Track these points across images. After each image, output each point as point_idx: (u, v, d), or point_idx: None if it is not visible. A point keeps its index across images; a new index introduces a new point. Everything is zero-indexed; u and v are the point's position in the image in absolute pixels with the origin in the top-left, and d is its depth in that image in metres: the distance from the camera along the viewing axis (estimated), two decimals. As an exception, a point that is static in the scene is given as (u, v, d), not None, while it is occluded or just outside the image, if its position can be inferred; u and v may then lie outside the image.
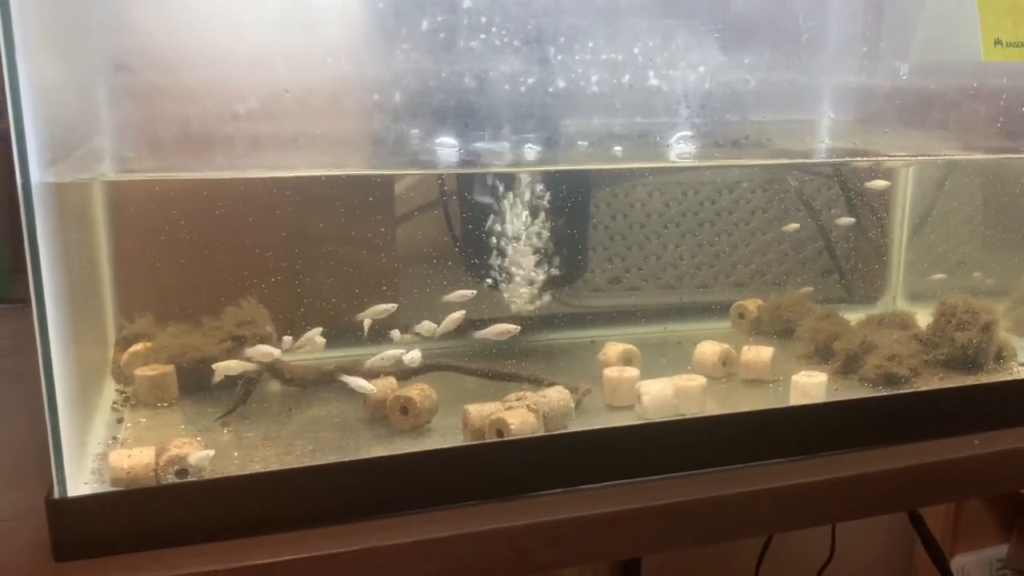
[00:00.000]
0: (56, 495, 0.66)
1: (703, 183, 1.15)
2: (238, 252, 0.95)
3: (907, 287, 1.21)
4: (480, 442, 0.79)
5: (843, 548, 1.58)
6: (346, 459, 0.75)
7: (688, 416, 0.86)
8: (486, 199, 0.98)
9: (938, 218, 1.15)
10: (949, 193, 1.14)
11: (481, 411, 0.81)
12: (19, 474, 0.81)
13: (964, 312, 0.97)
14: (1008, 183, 1.13)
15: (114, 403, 0.89)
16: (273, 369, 0.91)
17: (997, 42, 0.83)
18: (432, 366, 0.92)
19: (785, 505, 0.80)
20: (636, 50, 0.81)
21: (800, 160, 1.12)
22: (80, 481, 0.70)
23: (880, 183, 1.13)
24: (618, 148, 0.90)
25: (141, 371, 0.89)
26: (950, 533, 1.96)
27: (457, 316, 0.90)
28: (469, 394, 0.87)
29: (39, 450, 0.83)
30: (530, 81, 0.80)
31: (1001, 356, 1.00)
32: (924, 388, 0.93)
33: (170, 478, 0.71)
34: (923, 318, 1.04)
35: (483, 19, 0.77)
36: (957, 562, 1.94)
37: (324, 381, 0.93)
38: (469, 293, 0.91)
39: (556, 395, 0.84)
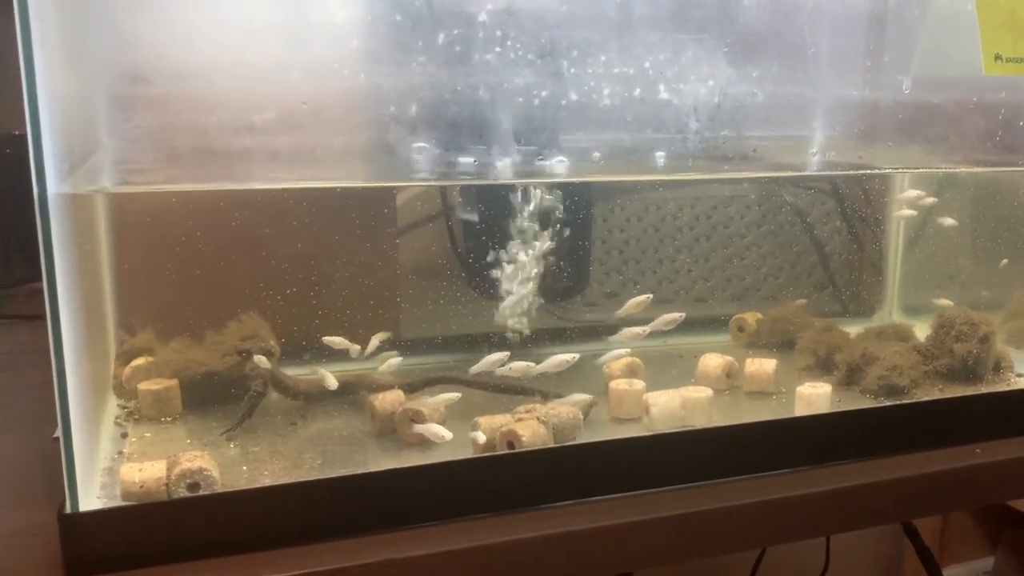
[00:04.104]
0: (69, 510, 0.65)
1: (699, 198, 1.16)
2: (241, 266, 0.95)
3: (903, 300, 1.22)
4: (492, 454, 0.79)
5: (837, 560, 1.59)
6: (358, 472, 0.75)
7: (698, 427, 0.86)
8: (489, 212, 0.99)
9: (934, 232, 1.17)
10: (946, 206, 1.16)
11: (491, 423, 0.81)
12: (22, 492, 0.80)
13: (963, 324, 0.98)
14: (1006, 196, 1.15)
15: (117, 418, 0.88)
16: (278, 383, 0.91)
17: (997, 57, 0.85)
18: (438, 379, 0.92)
19: (796, 515, 0.81)
20: (647, 64, 0.82)
21: (804, 174, 1.13)
22: (91, 496, 0.70)
23: (908, 212, 1.16)
24: (624, 161, 0.91)
25: (145, 385, 0.88)
26: (937, 546, 1.98)
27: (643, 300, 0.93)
28: (475, 407, 0.87)
29: (42, 467, 0.83)
30: (543, 94, 0.81)
31: (999, 367, 1.01)
32: (927, 398, 0.94)
33: (182, 492, 0.70)
34: (920, 331, 1.05)
35: (481, 33, 0.78)
36: (945, 575, 1.95)
37: (328, 396, 0.92)
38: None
39: (565, 407, 0.84)
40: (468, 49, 0.77)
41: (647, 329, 0.94)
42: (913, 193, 1.13)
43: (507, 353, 0.88)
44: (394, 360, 0.92)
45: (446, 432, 0.81)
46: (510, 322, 0.98)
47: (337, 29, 0.76)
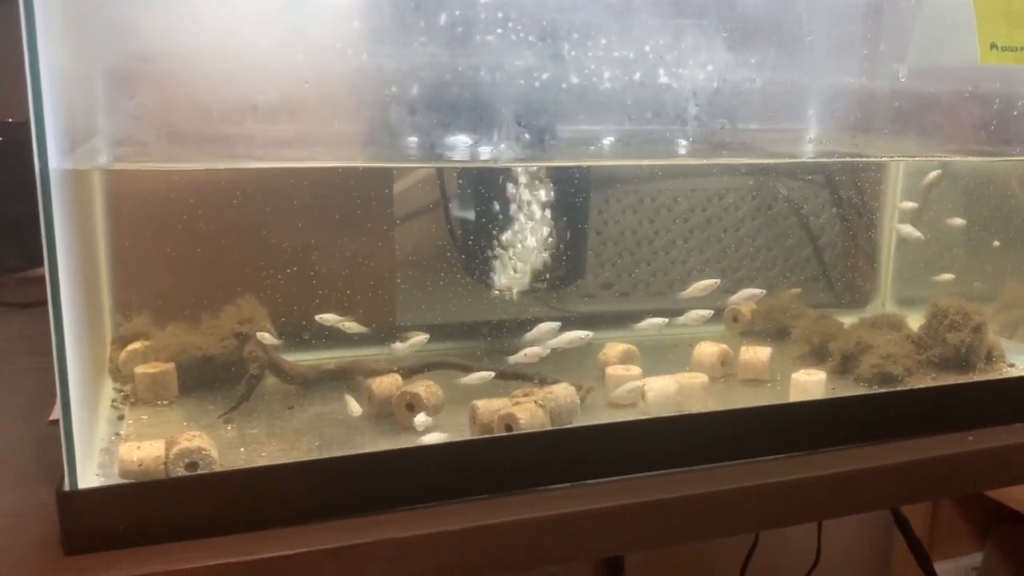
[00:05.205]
0: (67, 487, 0.65)
1: (695, 189, 1.17)
2: (238, 249, 0.95)
3: (896, 292, 1.23)
4: (490, 436, 0.79)
5: (827, 553, 1.60)
6: (358, 452, 0.75)
7: (694, 412, 0.86)
8: (486, 197, 0.99)
9: (928, 222, 1.18)
10: (939, 197, 1.17)
11: (489, 406, 0.81)
12: (19, 474, 0.79)
13: (956, 314, 0.99)
14: (999, 187, 1.16)
15: (113, 401, 0.88)
16: (275, 367, 0.91)
17: (993, 46, 0.86)
18: (436, 364, 0.92)
19: (789, 499, 0.81)
20: (647, 48, 0.83)
21: (800, 161, 1.14)
22: (89, 475, 0.69)
23: (909, 203, 1.18)
24: (617, 144, 0.91)
25: (142, 368, 0.88)
26: (926, 542, 1.99)
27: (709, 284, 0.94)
28: (471, 392, 0.87)
29: (39, 450, 0.83)
30: (543, 77, 0.81)
31: (991, 357, 1.02)
32: (920, 386, 0.95)
33: (180, 471, 0.70)
34: (914, 322, 1.06)
35: (483, 15, 0.78)
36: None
37: (324, 380, 0.93)
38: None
39: (562, 392, 0.84)
40: (469, 30, 0.77)
41: (686, 294, 0.96)
42: (909, 204, 1.16)
43: (559, 323, 0.89)
44: (417, 339, 0.91)
45: (425, 419, 0.82)
46: (508, 306, 0.99)
47: (339, 8, 0.76)
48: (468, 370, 0.91)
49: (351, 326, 0.88)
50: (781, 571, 1.62)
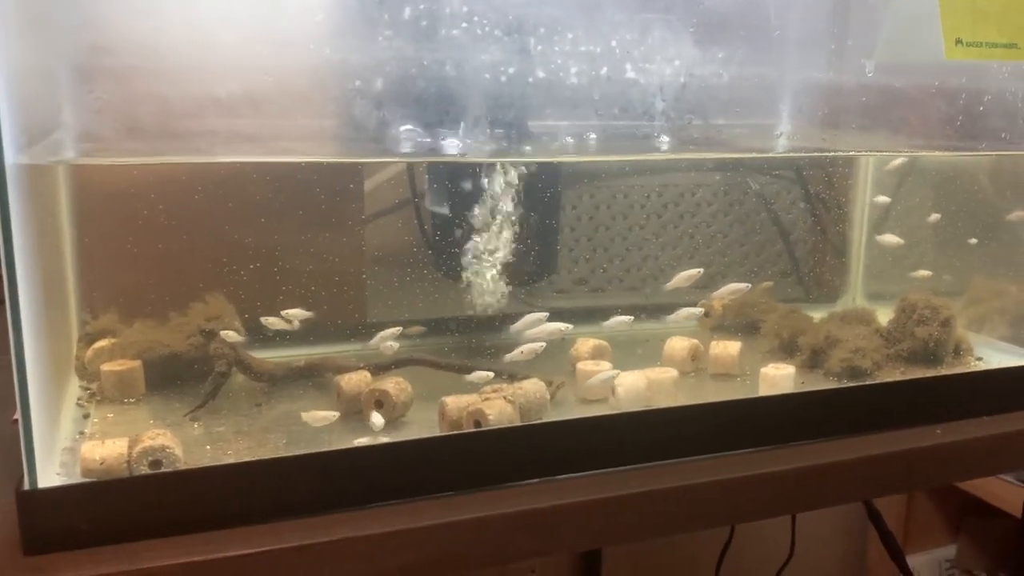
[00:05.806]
0: (27, 487, 0.64)
1: (666, 185, 1.17)
2: (205, 246, 0.94)
3: (866, 287, 1.24)
4: (459, 432, 0.78)
5: (802, 548, 1.60)
6: (323, 450, 0.74)
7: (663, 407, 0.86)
8: (455, 192, 0.98)
9: (897, 218, 1.18)
10: (908, 193, 1.18)
11: (458, 403, 0.81)
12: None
13: (924, 308, 1.00)
14: (966, 182, 1.17)
15: (79, 399, 0.87)
16: (242, 364, 0.90)
17: (958, 42, 0.86)
18: (406, 360, 0.92)
19: (760, 493, 0.81)
20: (614, 43, 0.82)
21: (769, 155, 1.14)
22: (50, 474, 0.69)
23: (882, 198, 1.19)
24: (584, 139, 0.91)
25: (108, 366, 0.87)
26: (900, 536, 2.01)
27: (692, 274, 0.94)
28: (442, 388, 0.87)
29: (1, 448, 0.81)
30: (510, 71, 0.81)
31: (959, 351, 1.03)
32: (889, 380, 0.95)
33: (143, 469, 0.69)
34: (883, 317, 1.06)
35: (448, 9, 0.77)
36: (908, 563, 1.97)
37: (293, 377, 0.92)
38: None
39: (532, 387, 0.84)
40: (434, 25, 0.76)
41: (670, 285, 0.97)
42: (882, 198, 1.17)
43: (546, 313, 0.88)
44: (389, 332, 0.90)
45: (379, 420, 0.81)
46: (479, 303, 0.98)
47: (303, 2, 0.75)
48: (438, 366, 0.90)
49: (273, 320, 0.87)
50: (756, 565, 1.63)
